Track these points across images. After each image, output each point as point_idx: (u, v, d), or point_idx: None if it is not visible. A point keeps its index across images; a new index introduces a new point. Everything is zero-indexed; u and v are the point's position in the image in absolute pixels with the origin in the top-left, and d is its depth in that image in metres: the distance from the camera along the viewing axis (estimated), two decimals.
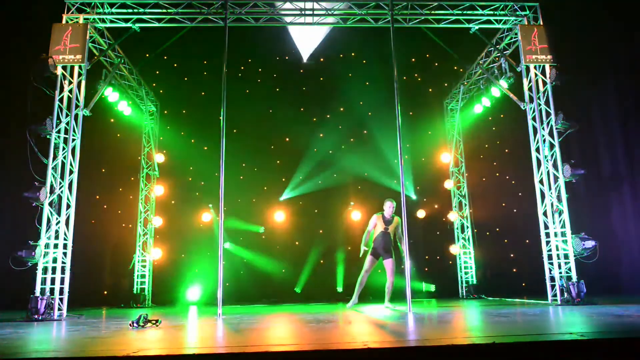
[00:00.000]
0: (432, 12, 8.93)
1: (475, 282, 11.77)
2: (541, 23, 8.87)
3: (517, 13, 8.98)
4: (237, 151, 11.26)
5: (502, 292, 11.25)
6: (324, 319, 5.97)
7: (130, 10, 8.65)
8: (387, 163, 11.86)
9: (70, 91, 8.15)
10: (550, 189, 8.45)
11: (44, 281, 7.43)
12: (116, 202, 11.71)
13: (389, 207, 8.24)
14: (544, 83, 8.73)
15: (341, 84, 12.54)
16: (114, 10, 8.63)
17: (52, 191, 7.70)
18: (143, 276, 11.20)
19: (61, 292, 7.58)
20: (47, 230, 7.56)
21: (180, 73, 12.44)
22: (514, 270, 11.75)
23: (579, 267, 8.04)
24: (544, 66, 8.72)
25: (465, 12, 8.94)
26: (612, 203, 11.14)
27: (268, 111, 12.42)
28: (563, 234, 8.25)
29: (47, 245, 7.55)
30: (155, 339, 4.22)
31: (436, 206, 12.48)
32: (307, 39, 12.18)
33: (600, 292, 8.96)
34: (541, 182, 8.57)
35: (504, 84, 9.69)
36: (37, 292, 7.31)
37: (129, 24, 8.74)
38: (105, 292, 11.24)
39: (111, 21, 8.74)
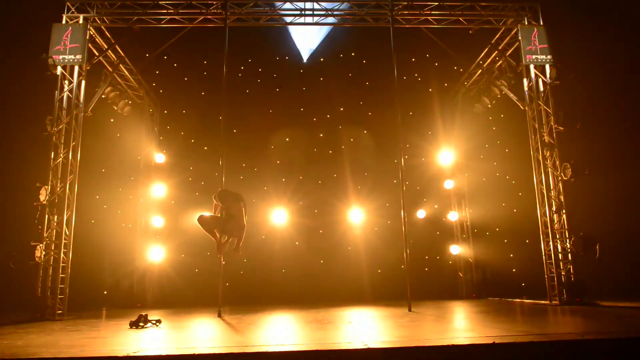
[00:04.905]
0: (432, 12, 8.93)
1: (475, 282, 11.76)
2: (541, 23, 8.87)
3: (517, 13, 8.98)
4: (237, 151, 11.24)
5: (502, 292, 11.24)
6: (324, 319, 5.97)
7: (130, 10, 8.65)
8: (387, 163, 11.82)
9: (70, 91, 8.15)
10: (550, 189, 8.44)
11: (44, 281, 7.43)
12: (116, 202, 11.68)
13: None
14: (544, 83, 8.73)
15: (341, 84, 12.52)
16: (114, 10, 8.63)
17: (52, 191, 7.70)
18: (143, 276, 11.18)
19: (61, 292, 7.58)
20: (47, 230, 7.56)
21: (180, 73, 12.41)
22: (514, 270, 11.74)
23: (579, 267, 8.04)
24: (544, 66, 8.72)
25: (465, 12, 8.94)
26: (612, 203, 11.12)
27: (268, 111, 12.40)
28: (563, 234, 8.25)
29: (47, 245, 7.55)
30: (155, 339, 4.22)
31: (436, 206, 12.47)
32: (307, 39, 12.17)
33: (600, 292, 8.96)
34: (541, 182, 8.57)
35: (504, 84, 9.69)
36: (38, 292, 7.31)
37: (129, 24, 8.73)
38: (105, 292, 11.22)
39: (111, 21, 8.74)
